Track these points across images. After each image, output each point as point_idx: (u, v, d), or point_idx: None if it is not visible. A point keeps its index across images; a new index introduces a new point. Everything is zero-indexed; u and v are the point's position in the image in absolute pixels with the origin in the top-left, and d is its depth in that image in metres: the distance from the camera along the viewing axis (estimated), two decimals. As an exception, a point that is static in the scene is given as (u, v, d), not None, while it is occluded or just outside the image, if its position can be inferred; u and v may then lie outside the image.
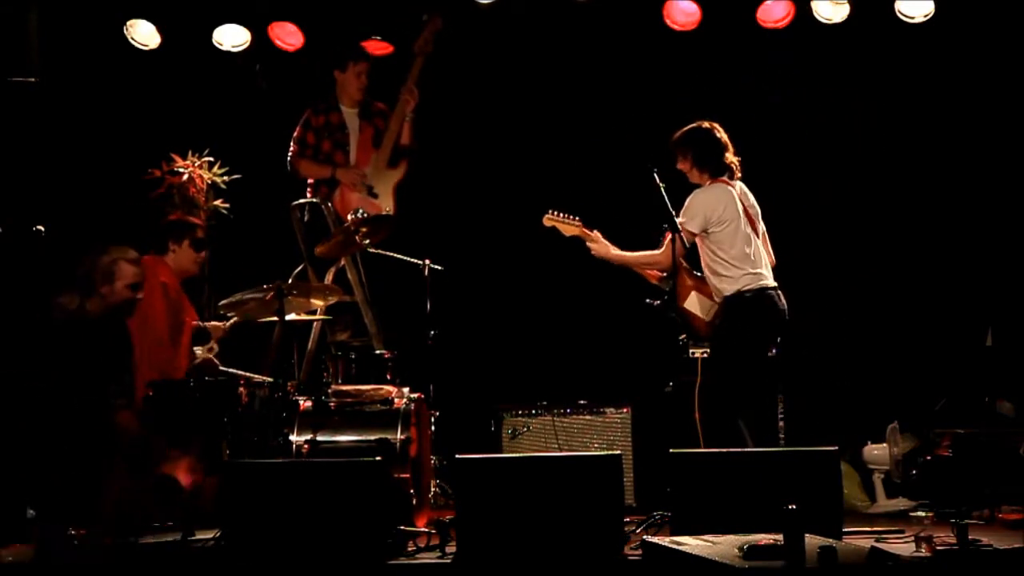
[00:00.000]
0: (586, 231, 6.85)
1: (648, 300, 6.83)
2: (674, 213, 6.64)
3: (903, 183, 8.41)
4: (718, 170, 6.66)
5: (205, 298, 7.98)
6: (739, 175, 6.70)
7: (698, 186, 6.68)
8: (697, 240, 6.61)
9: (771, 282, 6.63)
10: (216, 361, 7.19)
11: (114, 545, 5.99)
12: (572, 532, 5.50)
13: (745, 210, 6.62)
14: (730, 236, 6.56)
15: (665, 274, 6.75)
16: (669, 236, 6.57)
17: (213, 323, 7.36)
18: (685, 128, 6.71)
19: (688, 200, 6.62)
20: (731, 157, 6.69)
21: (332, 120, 7.83)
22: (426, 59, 7.80)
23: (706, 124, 6.70)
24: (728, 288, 6.57)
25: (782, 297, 6.63)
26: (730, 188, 6.63)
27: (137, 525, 6.42)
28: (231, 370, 7.17)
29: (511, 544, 5.49)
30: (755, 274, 6.57)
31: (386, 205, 7.71)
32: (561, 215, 6.86)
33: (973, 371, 7.84)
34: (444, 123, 8.25)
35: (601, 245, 6.83)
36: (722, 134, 6.68)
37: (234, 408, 6.67)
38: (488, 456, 6.30)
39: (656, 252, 6.68)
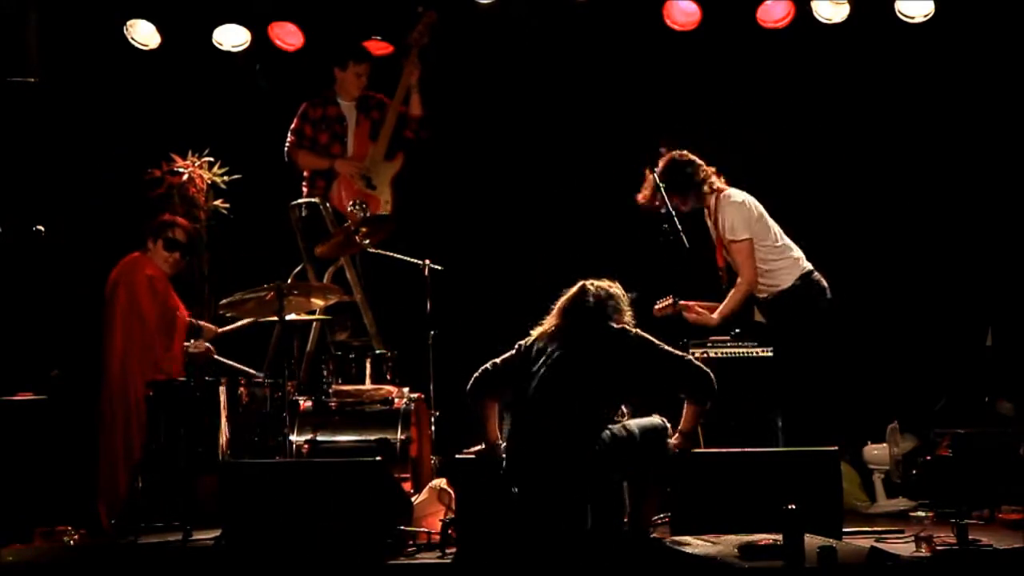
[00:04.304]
0: (685, 309, 6.83)
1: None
2: (674, 213, 6.63)
3: (903, 183, 8.40)
4: (705, 184, 6.79)
5: (205, 298, 7.98)
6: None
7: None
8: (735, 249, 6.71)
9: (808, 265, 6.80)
10: (211, 349, 7.20)
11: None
12: (572, 532, 5.49)
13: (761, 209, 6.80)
14: (764, 235, 6.73)
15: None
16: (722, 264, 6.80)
17: (206, 324, 7.37)
18: (663, 167, 6.77)
19: (720, 217, 6.75)
20: (706, 167, 6.82)
21: (330, 113, 7.84)
22: (421, 51, 7.81)
23: (673, 155, 6.79)
24: (786, 280, 6.68)
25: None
26: (735, 191, 6.75)
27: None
28: (227, 361, 7.18)
29: (511, 544, 5.49)
30: (798, 259, 6.78)
31: (383, 197, 7.73)
32: (665, 303, 6.77)
33: (973, 371, 7.84)
34: (444, 123, 8.23)
35: (706, 318, 6.80)
36: (685, 154, 6.80)
37: (234, 408, 6.68)
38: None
39: (736, 290, 6.75)
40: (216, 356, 7.19)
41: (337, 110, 7.85)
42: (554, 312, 5.70)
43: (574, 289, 5.70)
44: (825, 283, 6.82)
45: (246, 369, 7.18)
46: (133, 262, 7.18)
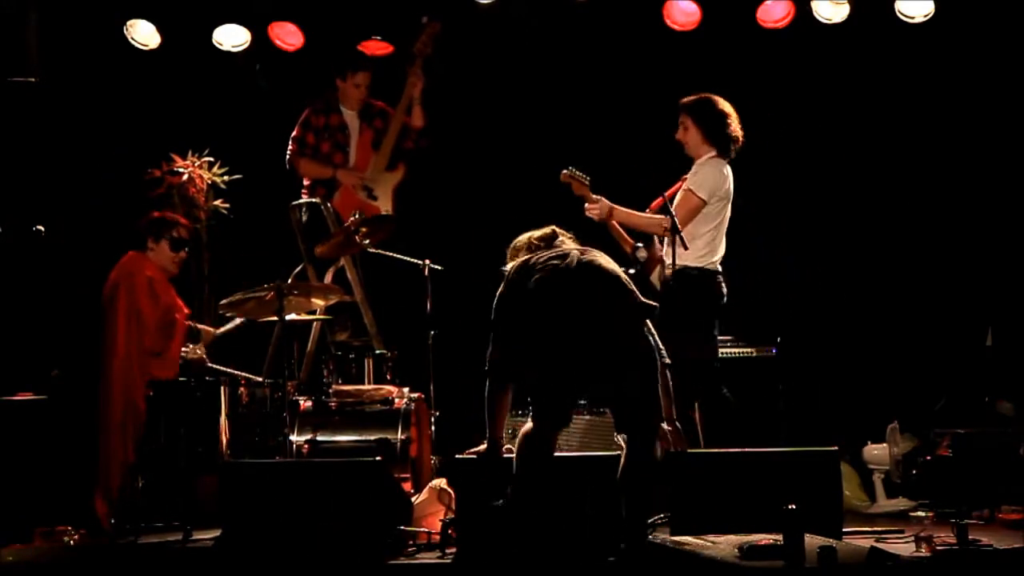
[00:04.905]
0: (589, 193, 6.78)
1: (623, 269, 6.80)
2: (674, 214, 6.64)
3: (903, 183, 8.40)
4: (725, 151, 6.71)
5: (205, 298, 7.98)
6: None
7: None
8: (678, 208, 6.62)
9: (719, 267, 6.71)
10: (206, 358, 7.18)
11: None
12: (572, 532, 5.50)
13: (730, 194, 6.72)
14: (715, 215, 6.62)
15: (640, 244, 6.73)
16: (660, 203, 6.60)
17: (205, 327, 7.36)
18: (699, 97, 6.73)
19: (699, 169, 6.67)
20: (735, 135, 6.74)
21: (332, 122, 7.83)
22: (424, 62, 7.82)
23: (722, 103, 6.71)
24: (688, 260, 6.57)
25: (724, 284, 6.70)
26: (729, 168, 6.69)
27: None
28: (221, 368, 7.17)
29: (511, 544, 5.49)
30: (716, 254, 6.66)
31: (385, 208, 7.73)
32: (578, 172, 6.79)
33: (973, 371, 7.84)
34: (444, 123, 8.24)
35: (603, 205, 6.74)
36: (734, 119, 6.72)
37: (234, 408, 6.69)
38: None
39: (654, 217, 6.66)
40: (211, 364, 7.17)
41: (340, 119, 7.84)
42: (520, 245, 5.75)
43: (545, 229, 5.68)
44: (725, 289, 6.69)
45: (240, 374, 7.15)
46: (132, 263, 7.15)
